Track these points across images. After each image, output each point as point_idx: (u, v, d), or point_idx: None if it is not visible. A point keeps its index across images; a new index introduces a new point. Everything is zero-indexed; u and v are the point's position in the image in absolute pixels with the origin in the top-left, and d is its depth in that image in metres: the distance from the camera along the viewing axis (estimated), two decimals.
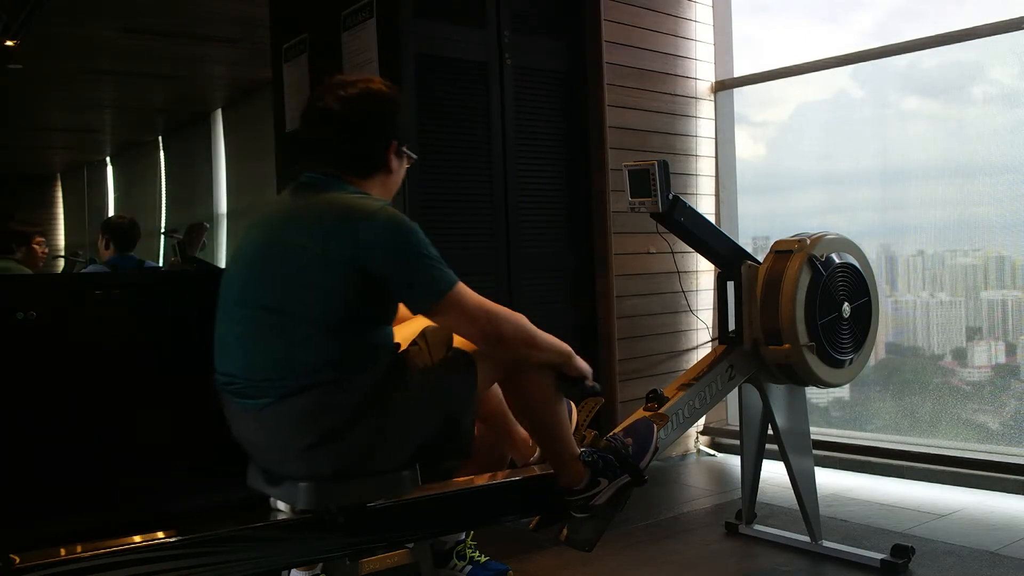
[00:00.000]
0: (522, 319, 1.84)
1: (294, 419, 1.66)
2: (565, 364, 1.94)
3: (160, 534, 1.61)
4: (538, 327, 1.93)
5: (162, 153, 11.21)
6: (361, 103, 1.83)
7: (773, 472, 3.22)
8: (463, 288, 1.75)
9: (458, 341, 1.86)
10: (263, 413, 1.68)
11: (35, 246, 4.43)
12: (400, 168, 1.94)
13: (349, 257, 1.66)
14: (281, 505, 1.78)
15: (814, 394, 3.92)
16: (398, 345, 1.83)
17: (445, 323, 1.79)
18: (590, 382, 1.98)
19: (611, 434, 2.16)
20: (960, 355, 3.96)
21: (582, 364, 1.96)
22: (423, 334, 1.85)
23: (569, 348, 1.95)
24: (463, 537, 2.61)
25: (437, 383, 1.79)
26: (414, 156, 1.98)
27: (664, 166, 2.51)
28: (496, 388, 2.02)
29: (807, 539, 2.83)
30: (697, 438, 4.50)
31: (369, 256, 1.66)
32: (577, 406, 2.27)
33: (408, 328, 1.90)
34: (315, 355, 1.66)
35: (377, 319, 1.75)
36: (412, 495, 1.89)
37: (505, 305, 1.88)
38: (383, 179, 1.89)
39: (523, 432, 2.16)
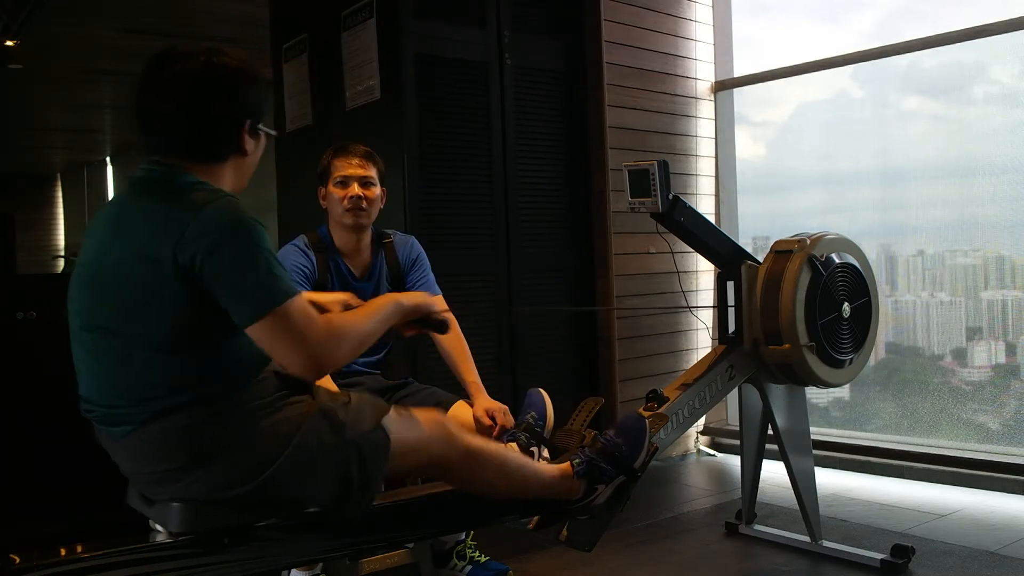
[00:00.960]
0: (343, 329, 1.57)
1: (155, 445, 1.50)
2: (405, 314, 1.75)
3: (157, 534, 1.61)
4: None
5: None
6: (203, 76, 1.56)
7: (773, 472, 3.22)
8: (298, 304, 1.48)
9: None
10: (126, 440, 1.52)
11: None
12: (257, 149, 1.68)
13: (174, 259, 1.43)
14: (159, 526, 1.64)
15: (814, 394, 3.92)
16: (262, 358, 1.57)
17: (267, 342, 1.48)
18: (435, 315, 1.82)
19: (603, 434, 2.14)
20: (960, 355, 3.96)
21: (415, 300, 1.79)
22: (349, 396, 1.69)
23: (393, 298, 1.76)
24: (463, 537, 2.61)
25: (334, 426, 1.59)
26: (273, 133, 1.74)
27: (664, 166, 2.51)
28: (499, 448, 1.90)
29: (807, 539, 2.83)
30: (697, 438, 4.50)
31: (192, 256, 1.43)
32: (577, 405, 2.27)
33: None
34: (164, 378, 1.48)
35: (230, 329, 1.49)
36: (412, 495, 1.89)
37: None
38: (236, 163, 1.64)
39: (552, 471, 2.03)
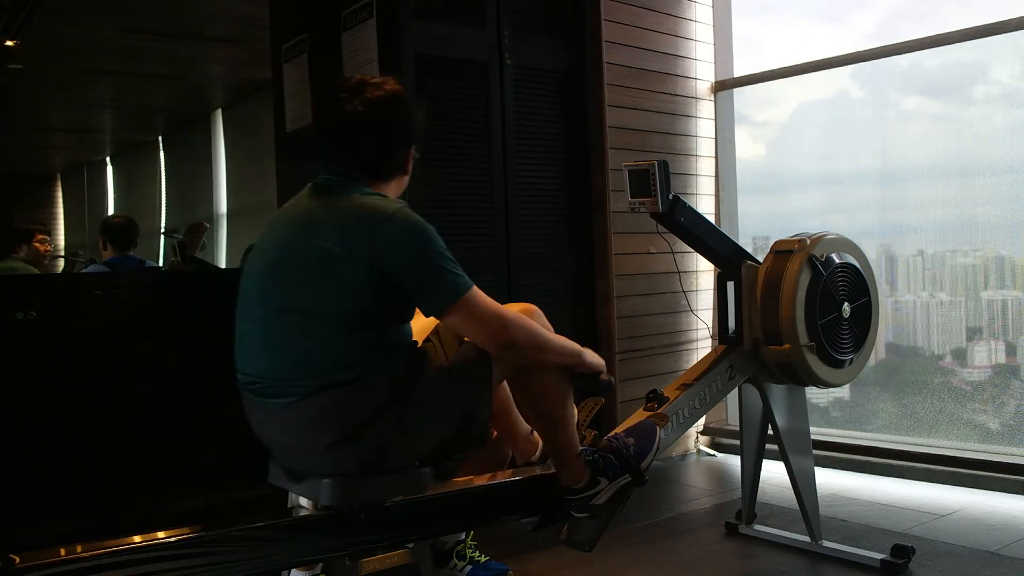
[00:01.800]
0: (533, 325, 1.87)
1: (317, 417, 1.69)
2: (577, 365, 1.96)
3: (160, 534, 1.61)
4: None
5: (162, 153, 11.21)
6: (387, 106, 1.85)
7: (773, 472, 3.22)
8: (477, 292, 1.78)
9: None
10: (287, 412, 1.71)
11: (37, 244, 4.44)
12: (412, 169, 1.98)
13: (368, 257, 1.68)
14: (303, 502, 1.82)
15: (814, 394, 3.92)
16: (415, 342, 1.86)
17: (458, 326, 1.81)
18: (605, 376, 2.00)
19: (612, 434, 2.16)
20: (960, 355, 3.96)
21: (594, 360, 1.99)
22: (436, 331, 1.89)
23: (579, 348, 1.97)
24: (463, 537, 2.60)
25: (454, 379, 1.82)
26: (417, 156, 2.01)
27: (664, 166, 2.51)
28: (502, 384, 2.03)
29: (807, 539, 2.83)
30: (697, 438, 4.50)
31: (387, 257, 1.69)
32: (579, 405, 2.28)
33: (420, 322, 1.92)
34: (336, 354, 1.69)
35: (396, 318, 1.78)
36: (412, 495, 1.89)
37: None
38: (399, 180, 1.93)
39: (525, 429, 2.17)
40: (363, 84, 1.86)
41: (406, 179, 1.96)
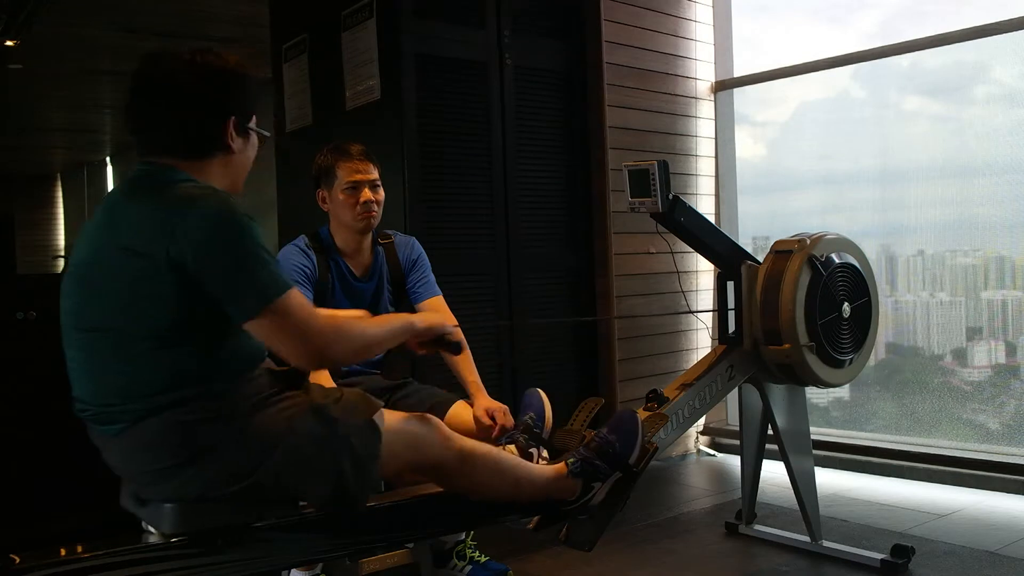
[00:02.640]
0: (351, 326, 1.63)
1: (148, 444, 1.51)
2: (416, 335, 1.76)
3: (150, 536, 1.61)
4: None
5: None
6: (188, 74, 1.59)
7: (773, 472, 3.22)
8: (294, 298, 1.51)
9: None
10: (119, 439, 1.53)
11: None
12: (246, 148, 1.68)
13: (168, 256, 1.45)
14: (151, 527, 1.64)
15: (814, 394, 3.92)
16: (262, 353, 1.62)
17: (263, 336, 1.53)
18: (450, 335, 1.83)
19: (597, 432, 2.13)
20: (960, 355, 3.96)
21: (428, 323, 1.79)
22: (341, 391, 1.69)
23: (406, 318, 1.77)
24: (463, 537, 2.61)
25: (325, 421, 1.59)
26: (265, 134, 1.75)
27: (664, 166, 2.51)
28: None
29: (807, 539, 2.83)
30: (697, 438, 4.50)
31: (188, 252, 1.45)
32: (578, 405, 2.27)
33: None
34: (157, 376, 1.49)
35: (226, 325, 1.52)
36: (412, 495, 1.89)
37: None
38: (223, 161, 1.64)
39: (547, 472, 2.02)
40: (167, 54, 1.62)
41: (235, 161, 1.66)
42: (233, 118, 1.63)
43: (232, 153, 1.65)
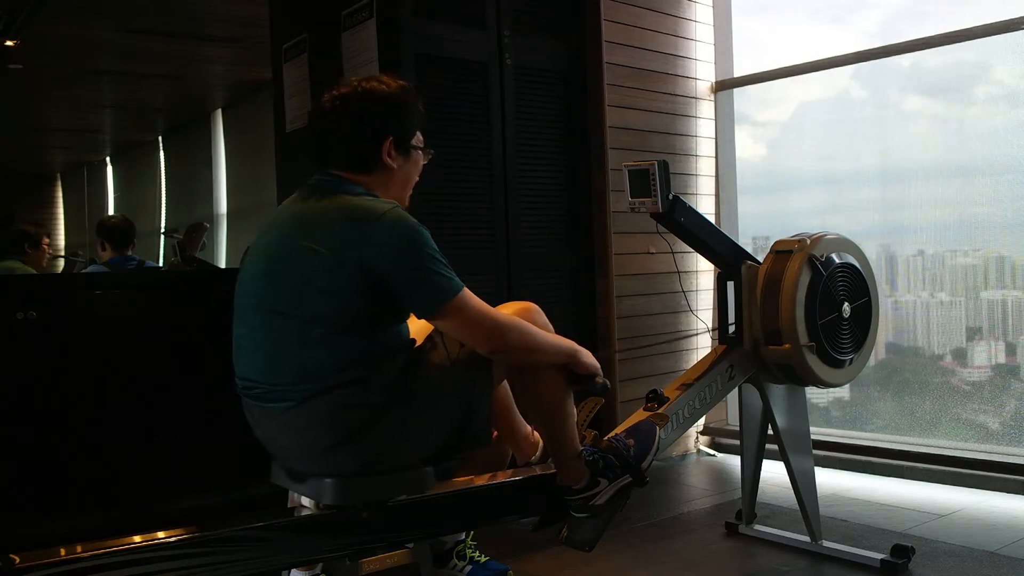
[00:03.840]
0: (526, 326, 1.86)
1: (317, 421, 1.69)
2: (572, 364, 1.94)
3: (160, 534, 1.61)
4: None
5: (162, 153, 11.21)
6: (353, 100, 1.84)
7: (773, 472, 3.22)
8: (468, 294, 1.76)
9: None
10: (286, 416, 1.71)
11: (44, 247, 4.49)
12: (406, 165, 1.91)
13: (358, 259, 1.67)
14: (306, 501, 1.83)
15: (814, 394, 3.92)
16: (413, 341, 1.85)
17: (448, 328, 1.80)
18: (600, 379, 1.98)
19: (612, 434, 2.16)
20: (960, 355, 3.96)
21: (589, 361, 1.96)
22: (438, 330, 1.87)
23: (574, 346, 1.95)
24: (463, 537, 2.60)
25: (455, 379, 1.81)
26: (429, 151, 1.97)
27: (664, 166, 2.51)
28: (502, 384, 2.03)
29: (807, 539, 2.83)
30: (697, 438, 4.50)
31: (376, 258, 1.68)
32: (578, 405, 2.27)
33: (420, 322, 1.91)
34: (333, 357, 1.69)
35: (390, 319, 1.77)
36: (412, 495, 1.89)
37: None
38: (385, 178, 1.87)
39: (526, 429, 2.17)
40: (339, 82, 1.89)
41: (395, 177, 1.90)
42: (391, 138, 1.85)
43: (392, 170, 1.88)
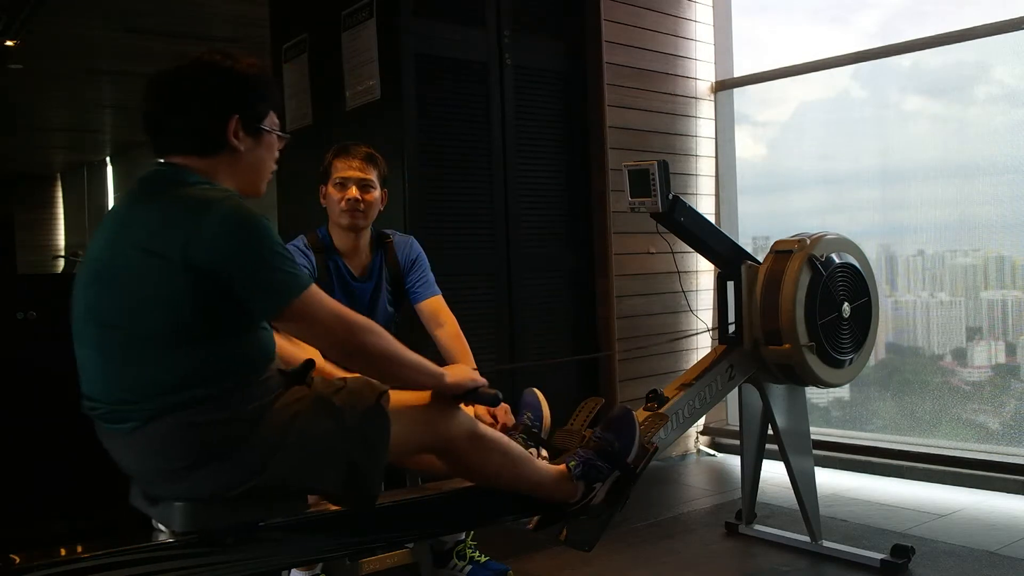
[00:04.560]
0: (383, 334, 1.66)
1: (162, 442, 1.51)
2: (441, 386, 1.76)
3: (160, 534, 1.61)
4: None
5: None
6: (191, 73, 1.62)
7: (773, 472, 3.22)
8: (315, 292, 1.57)
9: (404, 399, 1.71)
10: (131, 437, 1.53)
11: None
12: (256, 148, 1.68)
13: (183, 258, 1.46)
14: (162, 526, 1.65)
15: (814, 394, 3.92)
16: (311, 362, 1.65)
17: (295, 332, 1.64)
18: (484, 389, 1.83)
19: (595, 433, 2.14)
20: (960, 355, 3.96)
21: (459, 379, 1.79)
22: (344, 380, 1.68)
23: (439, 369, 1.76)
24: (463, 537, 2.61)
25: (330, 413, 1.59)
26: (281, 134, 1.74)
27: (664, 166, 2.51)
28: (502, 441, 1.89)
29: (807, 539, 2.83)
30: (697, 438, 4.50)
31: (208, 255, 1.47)
32: (578, 406, 2.27)
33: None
34: (173, 373, 1.49)
35: (235, 329, 1.55)
36: (412, 495, 1.89)
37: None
38: (228, 161, 1.64)
39: (552, 471, 2.02)
40: (174, 63, 1.65)
41: (242, 161, 1.66)
42: (236, 116, 1.63)
43: (238, 152, 1.64)
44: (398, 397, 1.69)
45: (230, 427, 1.51)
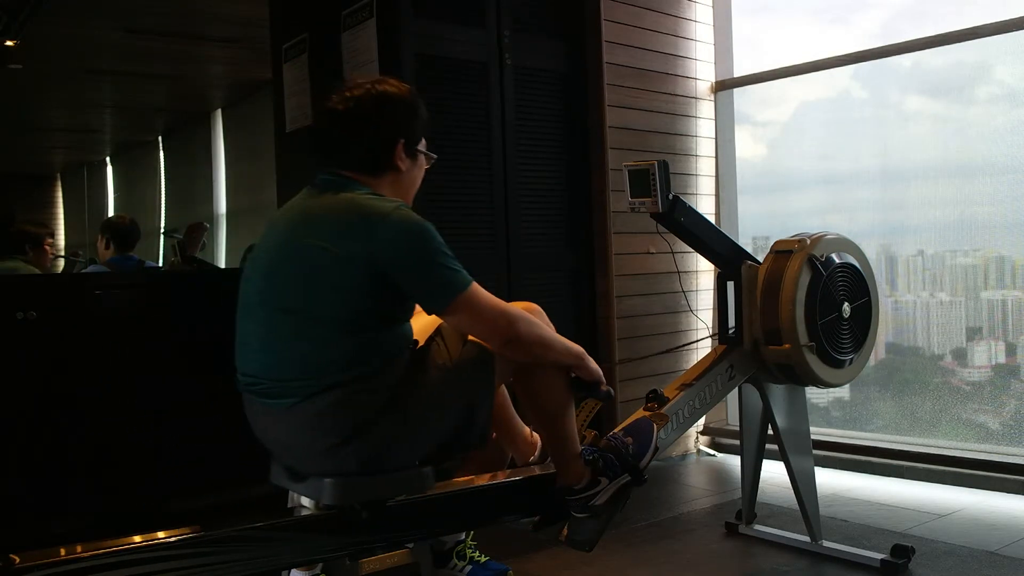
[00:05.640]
0: (535, 321, 1.87)
1: (319, 418, 1.69)
2: (577, 367, 1.95)
3: (160, 534, 1.61)
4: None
5: (162, 153, 11.21)
6: (366, 103, 1.85)
7: (773, 472, 3.22)
8: (477, 289, 1.77)
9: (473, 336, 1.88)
10: (289, 413, 1.71)
11: (46, 247, 4.48)
12: (413, 168, 1.93)
13: (365, 258, 1.68)
14: (305, 501, 1.82)
15: (814, 394, 3.92)
16: (416, 341, 1.86)
17: (459, 323, 1.81)
18: (604, 386, 1.98)
19: (611, 433, 2.17)
20: (960, 355, 3.96)
21: (595, 367, 1.97)
22: (439, 330, 1.88)
23: (581, 350, 1.96)
24: (463, 537, 2.60)
25: (456, 380, 1.81)
26: (433, 156, 1.98)
27: (664, 166, 2.51)
28: (500, 385, 2.03)
29: (807, 539, 2.83)
30: (697, 438, 4.50)
31: (384, 257, 1.69)
32: (578, 405, 2.27)
33: (421, 320, 1.92)
34: (337, 354, 1.69)
35: (395, 318, 1.78)
36: (412, 495, 1.89)
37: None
38: (393, 179, 1.89)
39: (524, 430, 2.17)
40: (349, 83, 1.89)
41: (403, 179, 1.92)
42: (402, 141, 1.87)
43: (401, 172, 1.89)
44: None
45: (376, 406, 1.70)
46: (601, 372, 1.99)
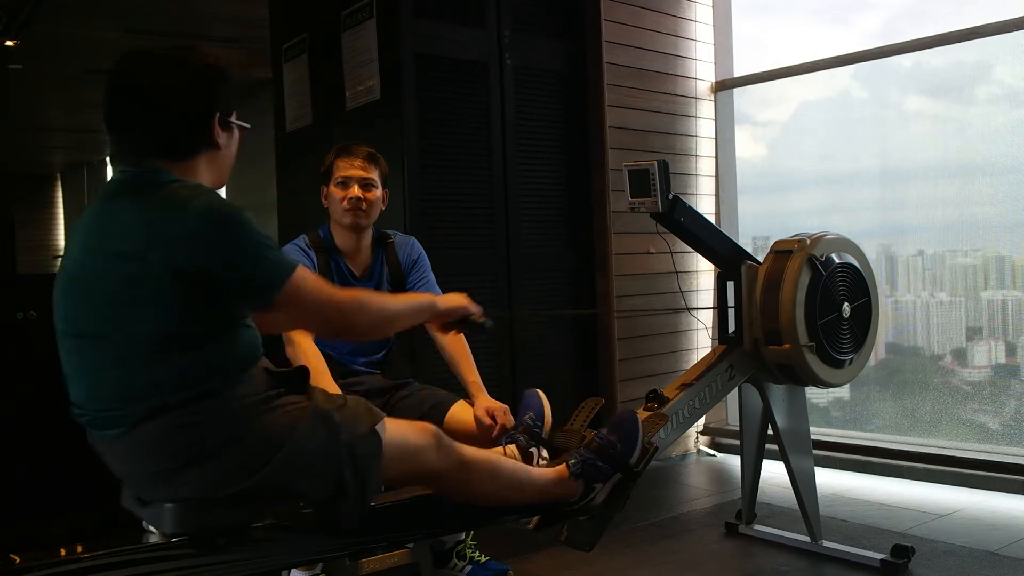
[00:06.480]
0: (370, 299, 1.68)
1: (149, 445, 1.49)
2: (438, 315, 1.81)
3: (151, 536, 1.61)
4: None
5: None
6: (172, 73, 1.55)
7: (773, 472, 3.22)
8: (303, 276, 1.54)
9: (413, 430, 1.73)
10: (117, 442, 1.51)
11: None
12: (230, 143, 1.66)
13: (164, 259, 1.43)
14: (152, 528, 1.65)
15: (814, 394, 3.92)
16: (305, 369, 1.65)
17: (289, 319, 1.64)
18: (477, 317, 1.86)
19: (597, 433, 2.13)
20: (960, 355, 3.96)
21: (451, 304, 1.83)
22: (345, 398, 1.69)
23: (428, 299, 1.83)
24: (463, 537, 2.61)
25: (329, 428, 1.58)
26: (246, 126, 1.69)
27: (664, 166, 2.51)
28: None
29: (807, 539, 2.83)
30: (697, 438, 4.50)
31: (186, 254, 1.43)
32: (578, 406, 2.27)
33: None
34: (157, 377, 1.46)
35: (220, 329, 1.52)
36: (412, 495, 1.89)
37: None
38: (209, 158, 1.61)
39: (547, 474, 2.03)
40: (143, 54, 1.57)
41: (221, 156, 1.64)
42: (217, 114, 1.60)
43: (218, 149, 1.62)
44: (392, 428, 1.69)
45: (219, 428, 1.49)
46: (466, 302, 1.85)
